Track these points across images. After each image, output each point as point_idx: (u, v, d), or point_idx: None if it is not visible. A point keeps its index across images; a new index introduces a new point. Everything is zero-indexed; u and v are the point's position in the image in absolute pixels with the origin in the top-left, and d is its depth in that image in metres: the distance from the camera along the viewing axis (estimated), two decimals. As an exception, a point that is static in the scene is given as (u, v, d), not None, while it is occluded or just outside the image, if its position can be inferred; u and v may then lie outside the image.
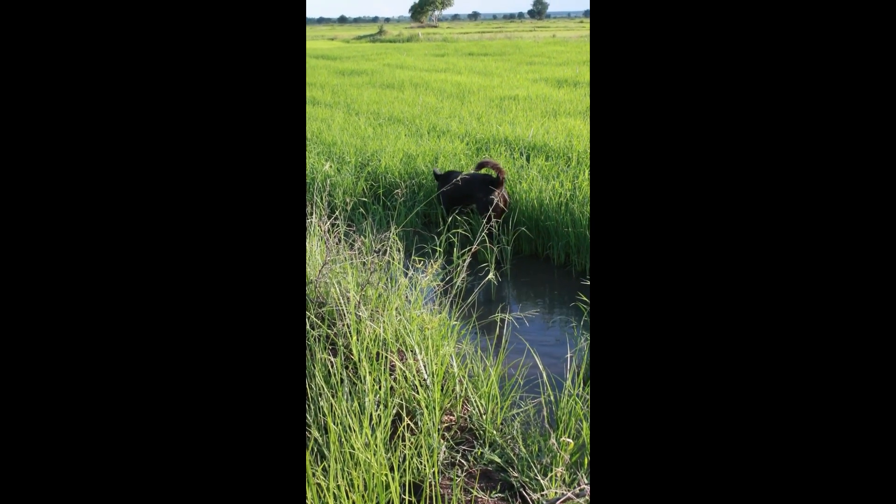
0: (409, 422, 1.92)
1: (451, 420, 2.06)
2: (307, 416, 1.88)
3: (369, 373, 1.95)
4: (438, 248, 3.16)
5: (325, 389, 1.89)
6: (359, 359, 2.05)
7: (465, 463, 1.86)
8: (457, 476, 1.79)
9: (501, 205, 3.96)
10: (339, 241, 2.87)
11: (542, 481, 1.71)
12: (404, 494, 1.70)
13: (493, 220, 3.89)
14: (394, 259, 2.71)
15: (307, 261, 2.77)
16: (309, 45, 28.28)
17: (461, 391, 2.13)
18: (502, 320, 2.46)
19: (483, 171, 4.12)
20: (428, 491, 1.71)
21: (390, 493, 1.63)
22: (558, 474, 1.70)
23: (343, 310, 2.29)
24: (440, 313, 2.44)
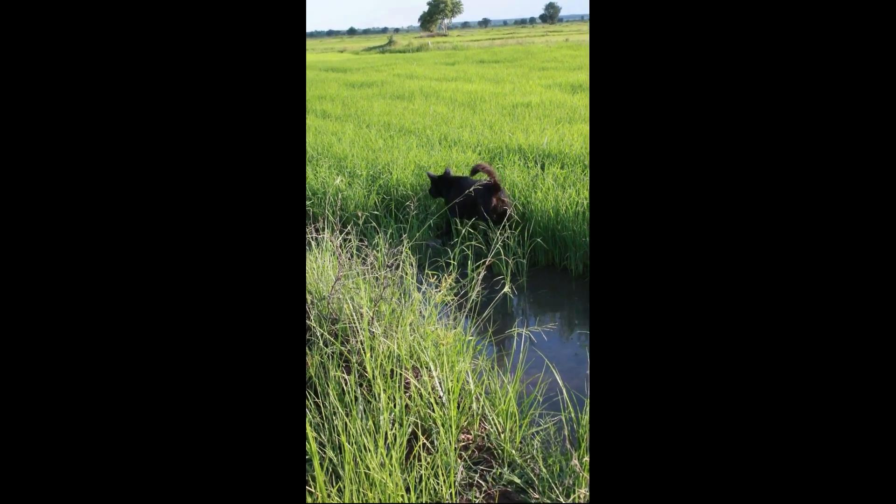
0: (424, 441, 1.92)
1: (468, 439, 2.06)
2: (321, 435, 1.88)
3: (384, 390, 1.96)
4: (452, 262, 3.16)
5: (340, 408, 1.89)
6: (373, 376, 2.06)
7: (483, 484, 1.85)
8: (475, 497, 1.77)
9: (501, 208, 4.02)
10: (352, 255, 2.88)
11: (564, 503, 1.69)
12: (421, 516, 1.69)
13: (496, 222, 3.99)
14: (407, 273, 2.72)
15: (320, 276, 2.79)
16: (319, 57, 28.58)
17: (478, 409, 2.12)
18: (519, 335, 2.45)
19: (476, 176, 4.19)
20: (446, 512, 1.70)
21: (407, 515, 1.62)
22: (581, 496, 1.68)
23: (356, 326, 2.29)
24: (455, 328, 2.44)
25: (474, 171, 4.18)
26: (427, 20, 76.07)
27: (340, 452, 1.80)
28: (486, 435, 2.07)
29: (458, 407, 2.07)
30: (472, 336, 2.43)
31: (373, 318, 2.33)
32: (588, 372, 2.14)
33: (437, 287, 2.55)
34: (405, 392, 2.11)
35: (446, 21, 79.16)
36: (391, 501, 1.63)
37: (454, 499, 1.73)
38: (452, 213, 4.23)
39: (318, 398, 2.05)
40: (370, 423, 1.84)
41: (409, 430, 1.92)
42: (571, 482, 1.78)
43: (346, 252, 2.82)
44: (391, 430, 1.85)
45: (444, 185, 4.39)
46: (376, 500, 1.63)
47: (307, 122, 7.97)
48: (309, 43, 67.95)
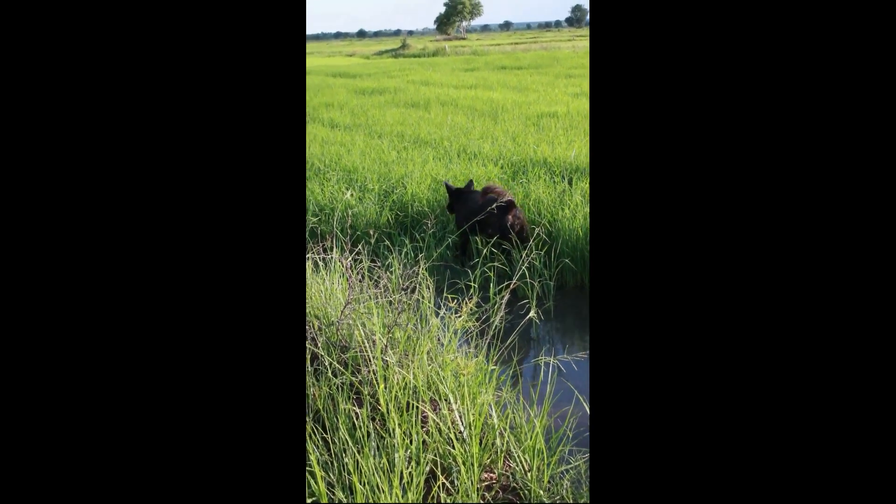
0: (444, 480, 1.91)
1: (491, 478, 2.04)
2: (330, 474, 1.88)
3: (399, 425, 1.95)
4: (473, 284, 3.16)
5: (350, 444, 1.89)
6: (387, 409, 2.06)
7: (508, 528, 1.84)
8: (500, 543, 1.76)
9: (518, 225, 4.07)
10: (363, 277, 2.90)
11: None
12: (441, 564, 1.68)
13: (521, 240, 4.03)
14: (423, 297, 2.73)
15: (328, 300, 2.81)
16: (326, 61, 28.99)
17: (502, 445, 2.11)
18: (546, 364, 2.44)
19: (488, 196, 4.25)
20: (467, 560, 1.69)
21: (425, 562, 1.61)
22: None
23: (368, 355, 2.30)
24: (476, 357, 2.43)
25: (485, 192, 4.24)
26: (444, 22, 76.87)
27: (352, 494, 1.80)
28: (512, 474, 2.06)
29: (481, 443, 2.06)
30: (495, 365, 2.43)
31: (386, 346, 2.34)
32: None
33: (456, 312, 2.55)
34: (422, 427, 2.10)
35: (465, 24, 79.97)
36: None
37: (476, 545, 1.72)
38: (473, 231, 4.26)
39: (326, 433, 2.06)
40: (384, 461, 1.84)
41: (427, 468, 1.92)
42: (606, 528, 1.76)
43: (357, 274, 2.84)
44: (407, 468, 1.85)
45: (458, 199, 4.44)
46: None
47: (313, 131, 8.06)
48: (315, 46, 68.95)
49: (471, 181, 4.50)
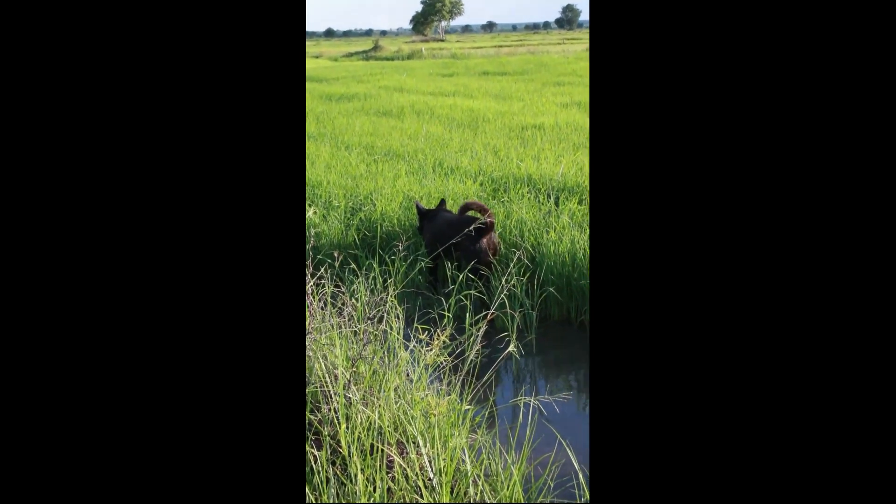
0: (410, 533, 1.91)
1: (463, 531, 2.05)
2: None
3: (361, 470, 1.96)
4: (447, 314, 3.18)
5: (308, 491, 1.89)
6: (349, 452, 2.06)
7: (480, 587, 1.84)
8: None
9: (490, 252, 4.10)
10: (325, 304, 2.90)
11: None
12: None
13: (482, 269, 4.07)
14: (392, 327, 2.74)
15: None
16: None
17: (476, 494, 2.12)
18: (526, 405, 2.46)
19: (469, 213, 4.26)
20: None
21: None
22: None
23: (329, 390, 2.30)
24: (449, 395, 2.45)
25: (464, 209, 4.24)
26: (420, 22, 77.35)
27: (307, 546, 1.80)
28: (485, 527, 2.06)
29: (452, 492, 2.07)
30: (469, 405, 2.44)
31: (349, 382, 2.34)
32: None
33: (428, 345, 2.57)
34: (388, 472, 2.11)
35: (443, 24, 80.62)
36: None
37: None
38: (448, 255, 4.28)
39: (281, 478, 2.05)
40: (344, 510, 1.84)
41: (392, 519, 1.92)
42: (588, 588, 1.78)
43: (319, 300, 2.85)
44: (370, 519, 1.85)
45: (428, 219, 4.48)
46: None
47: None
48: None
49: (443, 200, 4.54)
